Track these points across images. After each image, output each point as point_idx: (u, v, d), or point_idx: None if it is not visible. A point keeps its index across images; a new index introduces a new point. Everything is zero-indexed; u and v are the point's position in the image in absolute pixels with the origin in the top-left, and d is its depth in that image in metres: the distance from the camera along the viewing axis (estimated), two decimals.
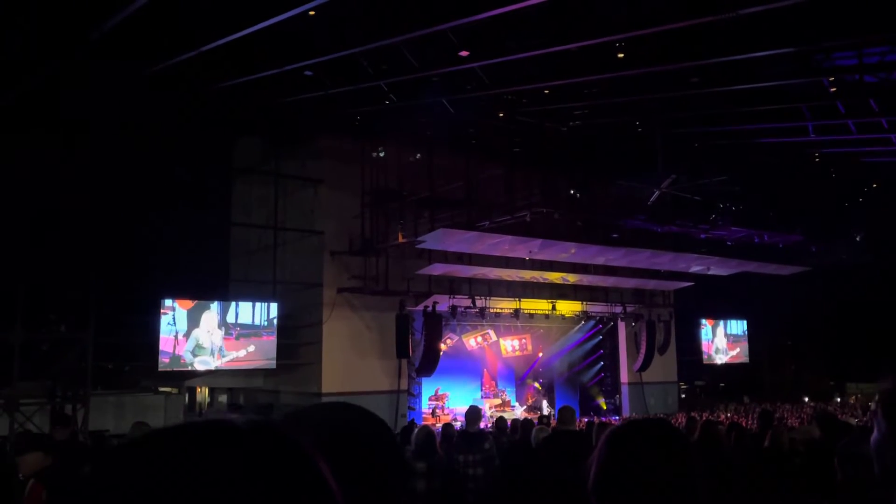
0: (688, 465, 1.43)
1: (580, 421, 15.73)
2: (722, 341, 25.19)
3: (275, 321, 16.57)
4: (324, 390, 16.66)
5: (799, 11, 9.96)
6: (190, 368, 15.70)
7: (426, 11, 10.41)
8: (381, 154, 16.04)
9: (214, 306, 16.02)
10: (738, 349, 25.64)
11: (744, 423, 12.73)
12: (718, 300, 24.10)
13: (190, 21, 10.89)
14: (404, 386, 18.37)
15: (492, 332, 21.61)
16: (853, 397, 23.70)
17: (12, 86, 11.36)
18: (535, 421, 12.03)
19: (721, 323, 25.26)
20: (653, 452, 1.42)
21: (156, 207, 14.44)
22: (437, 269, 17.61)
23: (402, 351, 17.55)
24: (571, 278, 20.12)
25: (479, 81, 13.16)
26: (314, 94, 13.55)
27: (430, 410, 19.45)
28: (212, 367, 15.91)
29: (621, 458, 1.43)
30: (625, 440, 1.47)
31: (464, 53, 11.64)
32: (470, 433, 7.01)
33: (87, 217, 14.16)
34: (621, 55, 11.77)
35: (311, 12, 10.10)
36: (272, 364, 16.55)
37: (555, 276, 19.72)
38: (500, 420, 11.67)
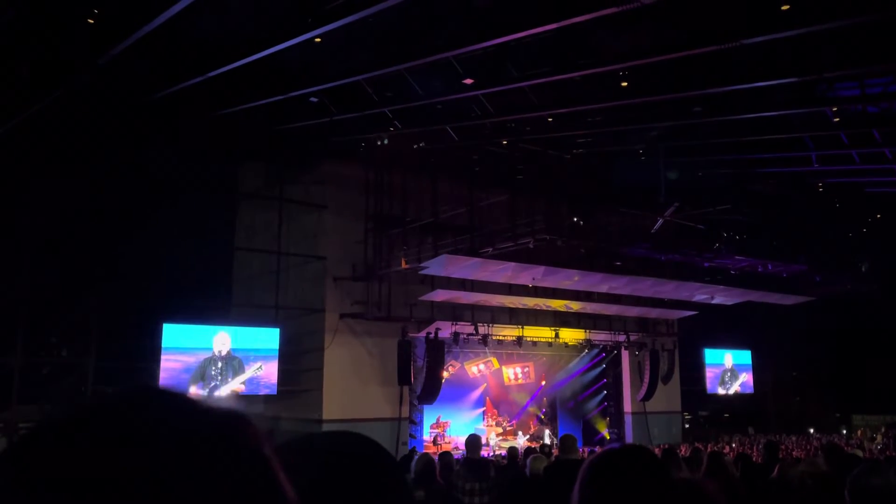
0: (665, 492, 1.43)
1: (583, 450, 15.55)
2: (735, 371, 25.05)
3: (276, 346, 16.50)
4: (325, 417, 16.52)
5: (801, 42, 10.04)
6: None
7: (431, 40, 10.52)
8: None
9: (222, 331, 16.01)
10: (742, 379, 25.45)
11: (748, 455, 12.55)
12: (723, 330, 23.97)
13: (197, 47, 11.01)
14: (406, 413, 18.21)
15: (494, 360, 21.48)
16: (859, 431, 23.44)
17: (17, 111, 11.44)
18: (535, 449, 11.86)
19: (729, 352, 25.12)
20: (630, 481, 1.42)
21: (159, 232, 14.45)
22: (440, 296, 17.56)
23: (403, 378, 17.43)
24: (575, 306, 20.04)
25: (483, 109, 13.25)
26: (319, 120, 13.65)
27: (432, 438, 19.25)
28: (221, 393, 15.82)
29: (600, 488, 1.43)
30: (603, 470, 1.46)
31: (468, 81, 11.73)
32: (473, 461, 6.92)
33: (90, 241, 14.17)
34: (625, 84, 11.85)
35: (317, 39, 10.21)
36: (273, 390, 16.44)
37: (558, 304, 19.65)
38: (512, 450, 11.47)
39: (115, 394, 0.57)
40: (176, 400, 0.58)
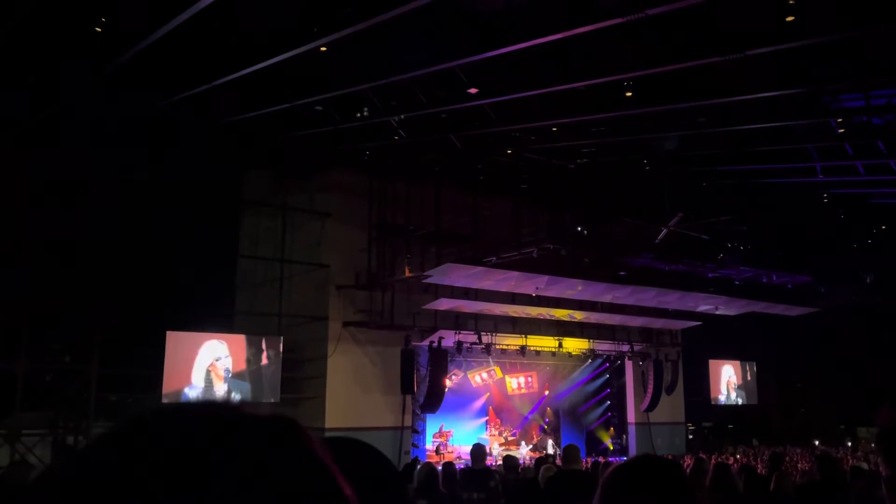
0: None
1: (586, 461, 15.48)
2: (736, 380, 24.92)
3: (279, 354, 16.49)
4: (327, 425, 16.48)
5: (806, 53, 10.05)
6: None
7: (435, 48, 10.55)
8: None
9: (225, 339, 16.02)
10: (747, 390, 25.35)
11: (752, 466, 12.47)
12: (727, 340, 23.87)
13: (202, 55, 11.06)
14: (408, 422, 18.16)
15: (497, 369, 21.42)
16: (862, 441, 23.26)
17: (22, 117, 11.50)
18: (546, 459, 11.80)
19: (734, 362, 25.02)
20: (652, 493, 1.41)
21: (162, 239, 14.48)
22: (443, 305, 17.54)
23: (406, 387, 17.39)
24: (578, 315, 20.00)
25: (488, 118, 13.27)
26: (324, 128, 13.68)
27: (434, 448, 19.18)
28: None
29: (622, 499, 1.42)
30: (625, 480, 1.45)
31: (473, 90, 11.75)
32: (475, 470, 6.90)
33: (93, 247, 14.19)
34: (629, 94, 11.86)
35: (323, 48, 10.25)
36: (276, 398, 16.41)
37: (561, 313, 19.61)
38: (510, 458, 11.45)
39: (172, 406, 0.60)
40: (230, 411, 0.60)
